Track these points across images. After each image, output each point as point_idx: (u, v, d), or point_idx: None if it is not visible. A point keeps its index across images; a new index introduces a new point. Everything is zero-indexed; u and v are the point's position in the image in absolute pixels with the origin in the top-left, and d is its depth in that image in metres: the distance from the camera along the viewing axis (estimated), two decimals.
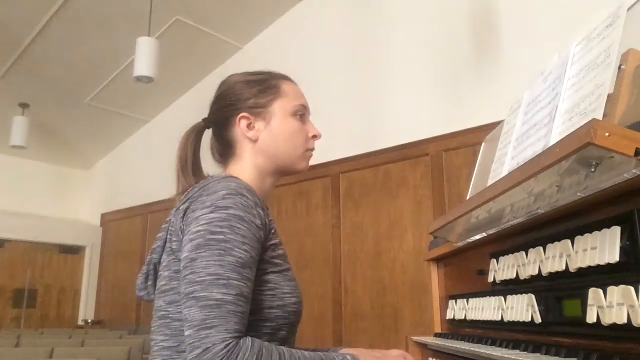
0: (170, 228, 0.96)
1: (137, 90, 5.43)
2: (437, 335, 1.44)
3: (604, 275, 0.73)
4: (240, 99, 1.06)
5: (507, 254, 1.03)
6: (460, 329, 1.32)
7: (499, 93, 3.18)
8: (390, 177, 3.96)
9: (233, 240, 0.85)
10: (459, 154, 3.58)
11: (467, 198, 1.31)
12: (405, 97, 3.96)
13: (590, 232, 0.76)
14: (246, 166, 1.06)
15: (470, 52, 3.65)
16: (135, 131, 6.75)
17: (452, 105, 3.68)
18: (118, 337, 4.54)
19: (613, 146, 0.64)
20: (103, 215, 6.98)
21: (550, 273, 0.86)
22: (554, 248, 0.85)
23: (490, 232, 1.14)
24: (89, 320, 6.47)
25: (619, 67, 0.83)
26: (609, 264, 0.71)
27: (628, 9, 0.86)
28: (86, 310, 6.66)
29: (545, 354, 0.82)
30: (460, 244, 1.32)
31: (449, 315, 1.38)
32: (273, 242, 0.95)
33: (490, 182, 1.20)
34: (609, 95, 0.81)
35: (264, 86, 1.07)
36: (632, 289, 0.64)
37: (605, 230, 0.73)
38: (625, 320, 0.65)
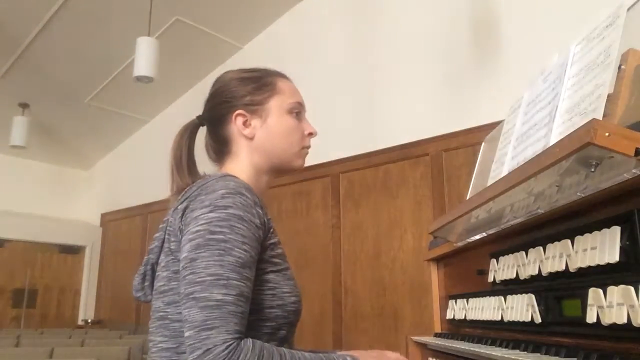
0: (168, 228, 0.95)
1: (137, 90, 5.42)
2: (437, 335, 1.44)
3: (604, 275, 0.73)
4: (236, 96, 1.06)
5: (507, 254, 1.03)
6: (460, 329, 1.32)
7: (499, 93, 3.18)
8: (390, 177, 3.96)
9: (233, 240, 0.84)
10: (459, 154, 3.58)
11: (467, 198, 1.31)
12: (405, 97, 3.96)
13: (590, 232, 0.76)
14: (242, 164, 1.05)
15: (471, 52, 3.65)
16: (135, 131, 6.75)
17: (452, 105, 3.68)
18: (118, 337, 4.54)
19: (613, 146, 0.64)
20: (103, 215, 6.98)
21: (550, 273, 0.86)
22: (554, 248, 0.85)
23: (490, 232, 1.14)
24: (89, 320, 6.47)
25: (619, 67, 0.83)
26: (609, 264, 0.71)
27: (628, 9, 0.86)
28: (86, 310, 6.66)
29: (545, 354, 0.82)
30: (460, 244, 1.32)
31: (449, 315, 1.38)
32: (272, 241, 0.94)
33: (490, 182, 1.20)
34: (609, 95, 0.81)
35: (259, 83, 1.07)
36: (632, 289, 0.64)
37: (605, 230, 0.73)
38: (625, 320, 0.65)
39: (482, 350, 0.94)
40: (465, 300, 1.27)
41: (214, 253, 0.83)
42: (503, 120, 1.31)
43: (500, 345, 0.98)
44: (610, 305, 0.68)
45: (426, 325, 3.29)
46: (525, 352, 0.86)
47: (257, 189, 1.03)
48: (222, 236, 0.84)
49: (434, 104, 3.79)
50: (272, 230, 0.95)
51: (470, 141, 3.41)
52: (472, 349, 0.98)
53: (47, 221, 6.60)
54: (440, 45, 3.83)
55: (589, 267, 0.75)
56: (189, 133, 1.08)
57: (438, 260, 1.56)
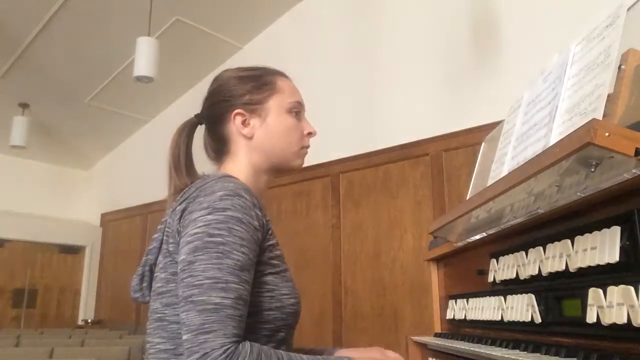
0: (166, 229, 0.94)
1: (137, 90, 5.42)
2: (437, 335, 1.44)
3: (604, 275, 0.73)
4: (235, 95, 1.04)
5: (507, 254, 1.03)
6: (460, 329, 1.32)
7: (499, 93, 3.18)
8: (390, 177, 3.96)
9: (231, 243, 0.83)
10: (459, 154, 3.58)
11: (467, 198, 1.31)
12: (406, 97, 3.96)
13: (590, 232, 0.76)
14: (241, 164, 1.04)
15: (471, 52, 3.65)
16: (135, 131, 6.75)
17: (452, 105, 3.68)
18: (118, 337, 4.54)
19: (613, 146, 0.64)
20: (103, 215, 6.98)
21: (550, 273, 0.86)
22: (554, 248, 0.85)
23: (490, 232, 1.14)
24: (89, 320, 6.47)
25: (619, 67, 0.83)
26: (609, 264, 0.71)
27: (628, 9, 0.86)
28: (86, 310, 6.66)
29: (545, 354, 0.82)
30: (460, 244, 1.32)
31: (449, 315, 1.38)
32: (270, 242, 0.94)
33: (490, 182, 1.20)
34: (609, 95, 0.81)
35: (259, 82, 1.06)
36: (632, 289, 0.64)
37: (605, 230, 0.72)
38: (625, 320, 0.65)
39: (482, 350, 0.93)
40: (465, 300, 1.27)
41: (212, 256, 0.82)
42: (503, 120, 1.31)
43: (500, 345, 0.98)
44: (610, 305, 0.68)
45: (426, 325, 3.29)
46: (525, 352, 0.86)
47: (256, 189, 1.03)
48: (220, 239, 0.83)
49: (434, 104, 3.79)
50: (270, 231, 0.94)
51: (470, 141, 3.41)
52: (472, 349, 0.98)
53: (47, 221, 6.60)
54: (440, 45, 3.83)
55: (589, 267, 0.75)
56: (187, 131, 1.07)
57: (438, 260, 1.56)
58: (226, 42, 5.32)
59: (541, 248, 0.90)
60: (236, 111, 1.04)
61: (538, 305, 0.89)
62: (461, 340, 1.19)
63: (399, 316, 3.68)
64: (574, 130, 0.71)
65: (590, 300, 0.73)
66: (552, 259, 0.85)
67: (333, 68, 4.48)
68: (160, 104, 6.25)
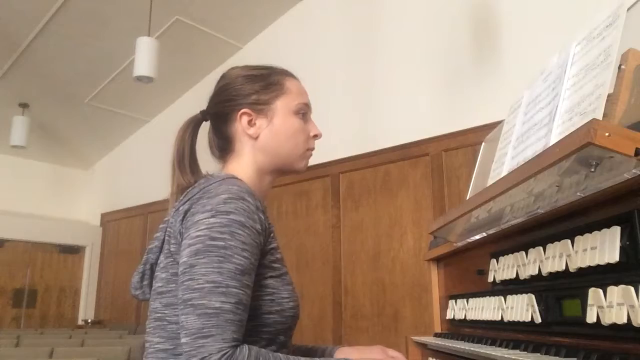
0: (168, 229, 0.94)
1: (137, 90, 5.43)
2: (437, 335, 1.44)
3: (604, 275, 0.73)
4: (242, 94, 1.03)
5: (507, 254, 1.03)
6: (460, 329, 1.32)
7: (499, 93, 3.18)
8: (390, 177, 3.96)
9: (233, 247, 0.83)
10: (459, 154, 3.58)
11: (467, 198, 1.31)
12: (406, 97, 3.96)
13: (590, 232, 0.76)
14: (245, 164, 1.03)
15: (471, 52, 3.65)
16: (135, 131, 6.75)
17: (452, 105, 3.68)
18: (118, 337, 4.53)
19: (613, 146, 0.64)
20: (103, 215, 6.98)
21: (550, 273, 0.86)
22: (554, 248, 0.85)
23: (490, 232, 1.14)
24: (89, 320, 6.47)
25: (619, 67, 0.83)
26: (609, 264, 0.71)
27: (628, 9, 0.86)
28: (86, 310, 6.66)
29: (545, 354, 0.81)
30: (460, 244, 1.32)
31: (449, 315, 1.38)
32: (272, 246, 0.93)
33: (490, 182, 1.20)
34: (609, 95, 0.81)
35: (267, 82, 1.04)
36: (632, 289, 0.64)
37: (605, 230, 0.72)
38: (625, 320, 0.65)
39: (482, 350, 0.93)
40: (465, 300, 1.27)
41: (213, 260, 0.82)
42: (503, 120, 1.30)
43: (500, 345, 0.98)
44: (610, 305, 0.68)
45: (426, 325, 3.30)
46: (525, 352, 0.86)
47: (260, 189, 1.02)
48: (222, 242, 0.83)
49: (434, 104, 3.79)
50: (272, 234, 0.94)
51: (470, 141, 3.41)
52: (472, 349, 0.98)
53: (47, 221, 6.61)
54: (440, 45, 3.83)
55: (589, 267, 0.75)
56: (192, 128, 1.05)
57: (438, 260, 1.56)
58: (226, 42, 5.32)
59: (541, 248, 0.90)
60: (242, 111, 1.02)
61: (538, 305, 0.89)
62: (461, 340, 1.19)
63: (399, 316, 3.68)
64: (574, 130, 0.70)
65: (590, 300, 0.73)
66: (552, 259, 0.85)
67: (333, 68, 4.48)
68: (160, 104, 6.25)
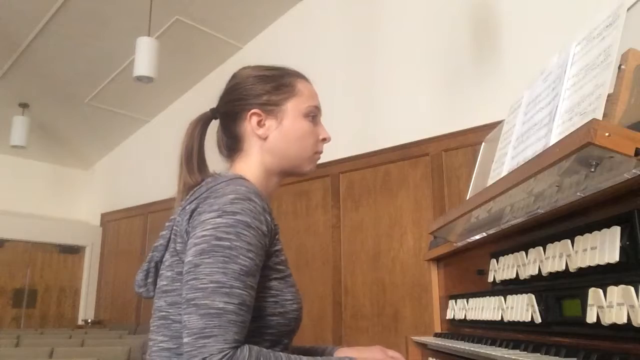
0: (174, 228, 0.93)
1: (137, 90, 5.43)
2: (437, 335, 1.44)
3: (604, 275, 0.73)
4: (253, 95, 1.03)
5: (507, 254, 1.03)
6: (460, 329, 1.32)
7: (499, 93, 3.18)
8: (390, 177, 3.96)
9: (238, 248, 0.83)
10: (459, 154, 3.58)
11: (467, 198, 1.31)
12: (406, 97, 3.96)
13: (590, 232, 0.76)
14: (252, 164, 1.03)
15: (471, 52, 3.65)
16: (135, 131, 6.75)
17: (452, 105, 3.68)
18: (118, 337, 4.53)
19: (613, 146, 0.64)
20: (103, 215, 6.98)
21: (550, 273, 0.86)
22: (554, 248, 0.85)
23: (490, 232, 1.14)
24: (89, 320, 6.47)
25: (619, 67, 0.83)
26: (609, 264, 0.71)
27: (628, 9, 0.86)
28: (86, 310, 6.66)
29: (545, 354, 0.81)
30: (460, 244, 1.32)
31: (449, 315, 1.38)
32: (277, 248, 0.93)
33: (490, 182, 1.20)
34: (609, 95, 0.81)
35: (278, 83, 1.04)
36: (632, 289, 0.64)
37: (605, 230, 0.72)
38: (625, 320, 0.65)
39: (482, 350, 0.93)
40: (465, 300, 1.27)
41: (218, 260, 0.82)
42: (503, 120, 1.30)
43: (500, 345, 0.98)
44: (610, 305, 0.68)
45: (426, 325, 3.30)
46: (525, 352, 0.86)
47: (266, 190, 1.02)
48: (227, 243, 0.83)
49: (434, 104, 3.79)
50: (277, 236, 0.94)
51: (470, 141, 3.41)
52: (472, 349, 0.98)
53: (47, 221, 6.61)
54: (440, 45, 3.83)
55: (589, 267, 0.75)
56: (201, 125, 1.05)
57: (438, 260, 1.56)
58: (226, 42, 5.32)
59: (541, 248, 0.90)
60: (253, 111, 1.02)
61: (538, 305, 0.89)
62: (461, 340, 1.19)
63: (399, 316, 3.68)
64: (574, 130, 0.70)
65: (590, 300, 0.73)
66: (552, 259, 0.85)
67: (333, 68, 4.48)
68: (160, 104, 6.25)
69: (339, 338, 3.99)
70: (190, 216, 0.89)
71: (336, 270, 4.12)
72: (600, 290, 0.70)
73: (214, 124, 1.09)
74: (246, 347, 0.80)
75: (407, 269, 3.69)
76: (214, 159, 1.09)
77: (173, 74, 5.31)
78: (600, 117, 0.78)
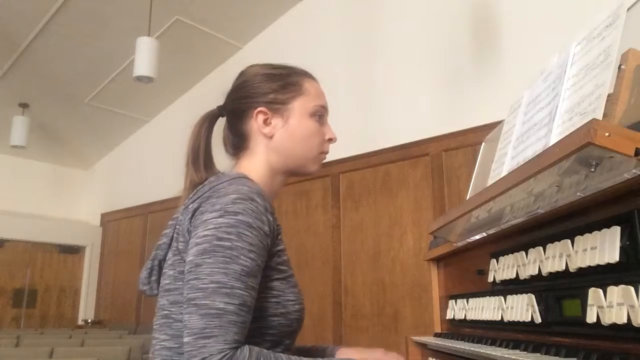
0: (177, 227, 0.93)
1: (137, 90, 5.43)
2: (437, 335, 1.44)
3: (604, 275, 0.73)
4: (260, 93, 1.02)
5: (507, 254, 1.03)
6: (460, 329, 1.32)
7: (499, 93, 3.18)
8: (390, 177, 3.96)
9: (240, 248, 0.82)
10: (459, 154, 3.58)
11: (467, 198, 1.31)
12: (406, 97, 3.96)
13: (590, 232, 0.76)
14: (257, 162, 1.02)
15: (471, 52, 3.65)
16: (135, 131, 6.75)
17: (452, 105, 3.68)
18: (118, 337, 4.53)
19: (613, 146, 0.64)
20: (103, 215, 6.98)
21: (550, 273, 0.86)
22: (554, 248, 0.85)
23: (490, 232, 1.14)
24: (89, 320, 6.47)
25: (619, 67, 0.83)
26: (609, 264, 0.71)
27: (628, 9, 0.86)
28: (86, 310, 6.66)
29: (545, 354, 0.81)
30: (460, 244, 1.32)
31: (449, 315, 1.38)
32: (279, 248, 0.93)
33: (490, 182, 1.20)
34: (609, 95, 0.81)
35: (285, 82, 1.04)
36: (632, 289, 0.64)
37: (605, 230, 0.72)
38: (625, 320, 0.65)
39: (482, 350, 0.93)
40: (465, 300, 1.27)
41: (219, 260, 0.81)
42: (503, 120, 1.30)
43: (500, 345, 0.98)
44: (610, 305, 0.68)
45: (426, 325, 3.30)
46: (525, 352, 0.86)
47: (271, 189, 1.02)
48: (229, 243, 0.82)
49: (434, 104, 3.79)
50: (280, 236, 0.93)
51: (470, 141, 3.41)
52: (472, 349, 0.98)
53: (47, 221, 6.61)
54: (440, 45, 3.83)
55: (589, 267, 0.75)
56: (208, 123, 1.05)
57: (438, 260, 1.56)
58: (226, 42, 5.32)
59: (541, 248, 0.90)
60: (259, 109, 1.02)
61: (538, 305, 0.89)
62: (461, 340, 1.19)
63: (399, 316, 3.68)
64: (574, 130, 0.70)
65: (590, 300, 0.73)
66: (552, 259, 0.85)
67: (333, 68, 4.48)
68: (160, 104, 6.25)
69: (339, 338, 3.99)
70: (193, 215, 0.89)
71: (336, 270, 4.12)
72: (600, 290, 0.70)
73: (221, 122, 1.09)
74: (246, 348, 0.80)
75: (407, 269, 3.69)
76: (221, 157, 1.09)
77: (173, 74, 5.31)
78: (600, 117, 0.78)
